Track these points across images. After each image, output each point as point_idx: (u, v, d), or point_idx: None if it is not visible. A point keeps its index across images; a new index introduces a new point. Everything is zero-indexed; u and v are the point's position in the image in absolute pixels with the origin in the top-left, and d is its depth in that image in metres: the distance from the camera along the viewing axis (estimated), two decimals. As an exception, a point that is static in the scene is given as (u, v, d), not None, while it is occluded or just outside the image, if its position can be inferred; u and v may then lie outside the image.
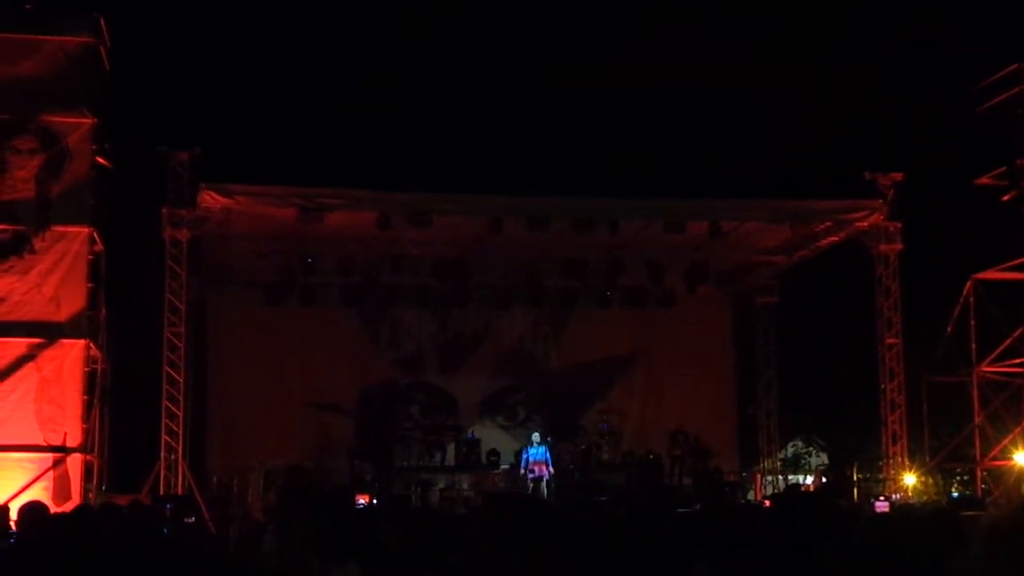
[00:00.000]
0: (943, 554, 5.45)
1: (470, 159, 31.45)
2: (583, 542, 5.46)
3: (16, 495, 20.68)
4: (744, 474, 31.86)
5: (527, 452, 27.56)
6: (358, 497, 24.46)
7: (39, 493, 21.08)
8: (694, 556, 4.65)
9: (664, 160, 33.14)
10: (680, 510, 14.51)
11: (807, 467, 37.80)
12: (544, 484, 26.93)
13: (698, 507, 19.44)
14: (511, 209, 26.25)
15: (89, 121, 23.44)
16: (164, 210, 25.55)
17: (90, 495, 22.94)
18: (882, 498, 25.18)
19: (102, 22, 23.67)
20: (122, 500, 18.29)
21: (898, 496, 25.84)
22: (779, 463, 34.39)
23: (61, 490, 22.08)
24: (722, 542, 4.98)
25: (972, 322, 27.62)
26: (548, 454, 27.50)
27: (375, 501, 24.64)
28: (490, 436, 30.65)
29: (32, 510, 8.41)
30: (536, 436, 27.82)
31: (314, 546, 6.31)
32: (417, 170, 29.88)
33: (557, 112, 34.26)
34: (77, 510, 9.54)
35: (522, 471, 27.45)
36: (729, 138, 34.15)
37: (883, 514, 12.31)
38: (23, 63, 23.23)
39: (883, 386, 27.72)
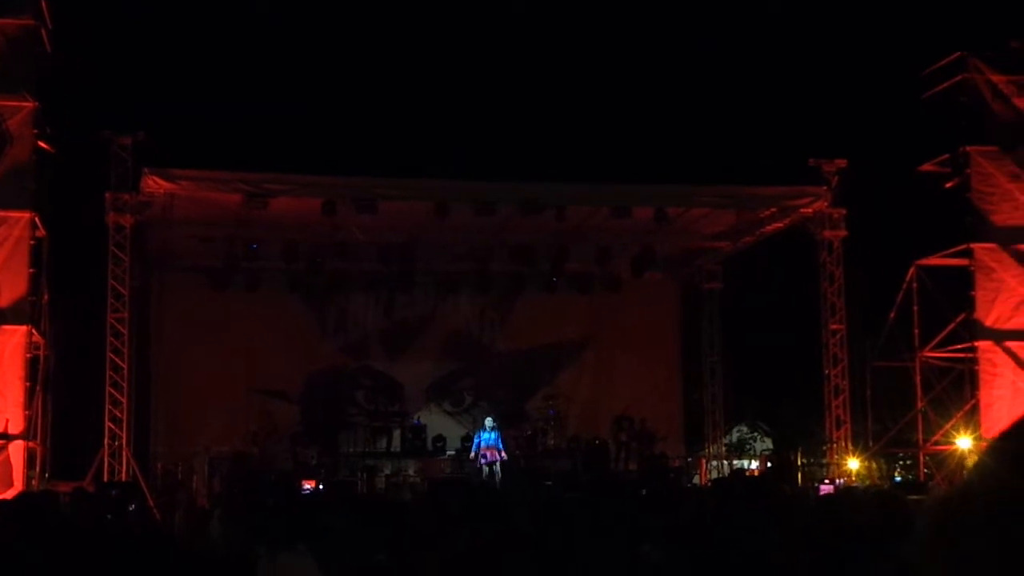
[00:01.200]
0: (887, 536, 5.48)
1: (416, 144, 31.40)
2: (528, 526, 5.46)
3: (-43, 483, 20.49)
4: (689, 459, 31.97)
5: (479, 437, 27.53)
6: (304, 483, 24.40)
7: (-20, 480, 20.90)
8: (640, 538, 4.66)
9: (610, 145, 33.20)
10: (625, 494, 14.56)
11: (752, 452, 37.98)
12: (496, 469, 26.93)
13: (643, 492, 19.50)
14: (457, 194, 26.20)
15: (30, 104, 23.21)
16: (107, 195, 25.32)
17: (33, 482, 22.77)
18: (827, 481, 25.36)
19: (43, 4, 23.43)
20: (65, 487, 18.18)
21: (842, 481, 26.01)
22: (724, 448, 34.57)
23: (3, 477, 21.93)
24: (667, 523, 4.99)
25: (915, 308, 27.82)
26: (500, 440, 27.51)
27: (321, 487, 24.58)
28: (436, 422, 30.63)
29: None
30: (489, 421, 27.79)
31: (261, 531, 6.28)
32: (362, 155, 29.78)
33: (503, 96, 34.23)
34: (18, 497, 9.44)
35: (472, 455, 27.43)
36: (675, 124, 34.23)
37: (827, 495, 12.40)
38: (-39, 45, 22.97)
39: (827, 371, 27.89)
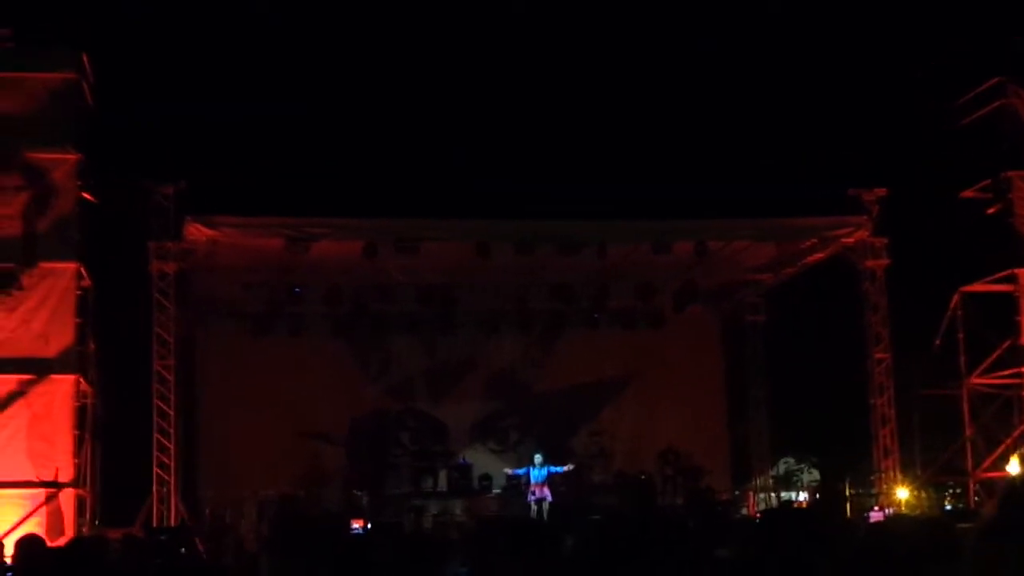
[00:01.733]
0: (936, 561, 5.47)
1: (456, 184, 31.50)
2: (577, 557, 5.49)
3: (10, 531, 20.63)
4: (737, 492, 31.88)
5: (530, 473, 27.58)
6: (353, 522, 24.46)
7: (33, 528, 20.99)
8: (691, 565, 4.69)
9: (649, 180, 33.23)
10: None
11: (799, 484, 37.84)
12: (544, 507, 26.94)
13: (691, 524, 19.42)
14: (497, 233, 26.28)
15: (73, 157, 23.45)
16: (150, 244, 25.56)
17: (83, 529, 22.91)
18: (876, 508, 25.23)
19: (84, 58, 23.70)
20: (115, 534, 18.26)
21: (891, 510, 25.85)
22: (771, 480, 34.44)
23: (54, 525, 22.03)
24: (716, 551, 5.01)
25: (960, 335, 27.68)
26: (552, 469, 27.58)
27: (369, 526, 24.62)
28: (481, 461, 30.63)
29: (28, 543, 8.40)
30: (539, 458, 27.82)
31: (310, 571, 6.32)
32: (403, 197, 29.90)
33: (541, 135, 34.34)
34: (72, 542, 9.53)
35: (519, 480, 27.52)
36: (713, 157, 34.24)
37: (876, 523, 12.34)
38: (5, 101, 23.24)
39: (873, 401, 27.76)
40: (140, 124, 29.87)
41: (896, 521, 8.87)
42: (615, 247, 26.88)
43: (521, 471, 28.12)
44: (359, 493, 28.07)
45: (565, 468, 28.18)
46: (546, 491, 27.23)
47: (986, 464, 27.26)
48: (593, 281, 29.17)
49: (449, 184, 31.61)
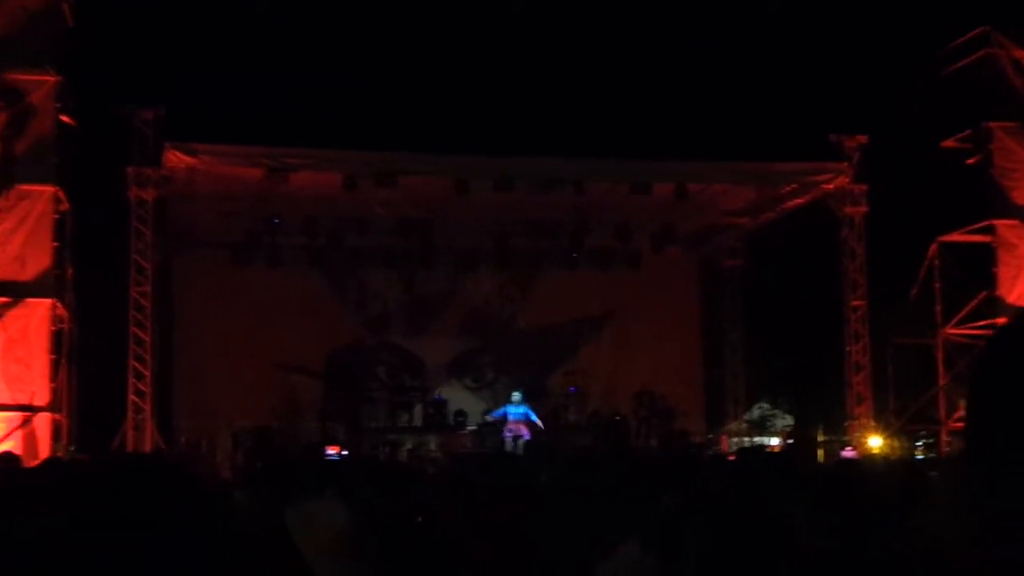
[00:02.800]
0: (906, 502, 5.51)
1: (435, 119, 31.38)
2: (550, 492, 5.52)
3: (-17, 453, 20.63)
4: (710, 436, 32.02)
5: (507, 411, 27.67)
6: (329, 448, 24.60)
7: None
8: (660, 493, 4.72)
9: (630, 121, 33.14)
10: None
11: (773, 428, 37.98)
12: (519, 444, 27.03)
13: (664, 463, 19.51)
14: (477, 170, 26.25)
15: (53, 79, 23.27)
16: (129, 170, 25.44)
17: (58, 453, 22.91)
18: (849, 448, 25.43)
19: (66, -23, 23.49)
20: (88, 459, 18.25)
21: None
22: (745, 424, 34.59)
23: (29, 448, 22.04)
24: (688, 481, 5.05)
25: (937, 285, 27.79)
26: (530, 414, 27.66)
27: (345, 453, 24.72)
28: (457, 397, 30.72)
29: (5, 459, 8.41)
30: (516, 395, 27.91)
31: (290, 486, 6.34)
32: (383, 130, 29.78)
33: (522, 72, 34.18)
34: (47, 461, 9.54)
35: (493, 419, 27.61)
36: (694, 99, 34.15)
37: (848, 459, 12.46)
38: (-16, 21, 23.05)
39: (848, 348, 27.90)
40: (121, 48, 29.61)
41: (868, 460, 8.96)
42: (594, 186, 26.85)
43: (499, 412, 28.19)
44: (334, 425, 28.13)
45: (539, 423, 28.10)
46: (523, 429, 27.31)
47: (958, 414, 27.43)
48: (571, 220, 29.14)
49: (429, 119, 31.49)
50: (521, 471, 5.62)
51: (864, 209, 27.49)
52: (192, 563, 2.32)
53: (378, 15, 34.46)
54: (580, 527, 4.32)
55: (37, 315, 23.08)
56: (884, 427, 27.95)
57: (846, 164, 27.15)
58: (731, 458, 13.72)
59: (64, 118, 23.57)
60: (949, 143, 27.68)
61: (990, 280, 27.04)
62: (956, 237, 27.66)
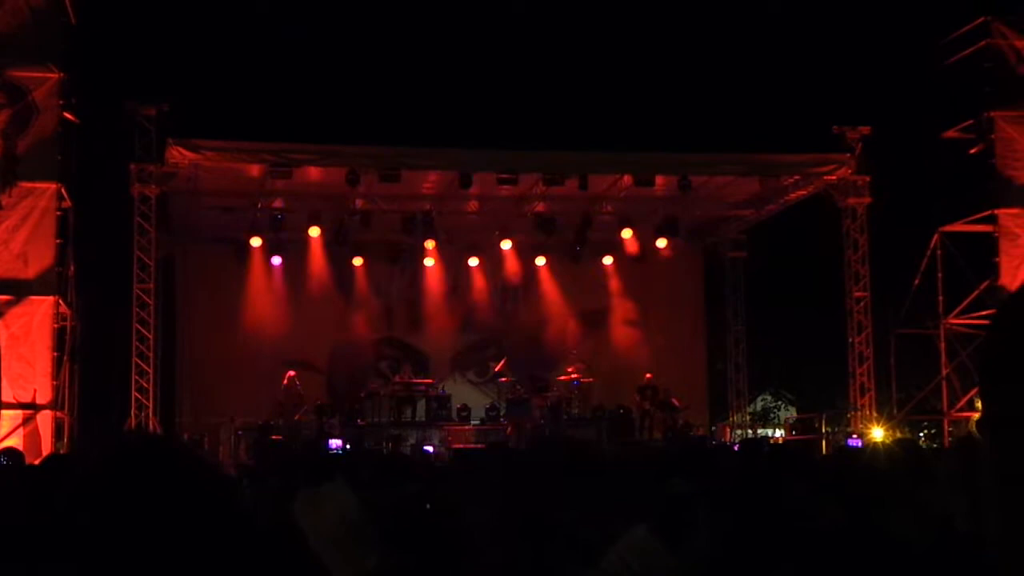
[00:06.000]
0: (912, 482, 5.52)
1: (439, 113, 31.39)
2: (558, 475, 5.52)
3: (-13, 451, 20.62)
4: (713, 428, 32.02)
5: (508, 406, 27.70)
6: (332, 442, 24.62)
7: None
8: (667, 478, 4.72)
9: (633, 114, 33.16)
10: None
11: (776, 420, 38.05)
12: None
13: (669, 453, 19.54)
14: (481, 163, 26.24)
15: (55, 75, 23.28)
16: (132, 166, 25.44)
17: (61, 452, 22.91)
18: (855, 436, 25.43)
19: (68, -26, 23.49)
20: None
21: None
22: (748, 417, 34.60)
23: (32, 447, 22.02)
24: (694, 468, 5.06)
25: (939, 275, 27.76)
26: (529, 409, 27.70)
27: (348, 446, 24.73)
28: (461, 392, 30.69)
29: (9, 454, 8.41)
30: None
31: (294, 483, 6.34)
32: (386, 124, 29.79)
33: (526, 65, 34.21)
34: (48, 458, 9.54)
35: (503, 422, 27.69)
36: (697, 92, 34.17)
37: (854, 446, 12.47)
38: (-12, 18, 23.05)
39: (851, 339, 27.89)
40: (124, 45, 29.64)
41: (871, 446, 8.98)
42: (598, 179, 26.86)
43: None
44: (338, 420, 28.10)
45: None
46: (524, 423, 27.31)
47: (961, 404, 27.42)
48: (575, 213, 29.14)
49: (433, 113, 31.50)
50: (529, 459, 5.63)
51: (867, 200, 27.47)
52: (211, 541, 2.33)
53: (381, 11, 34.48)
54: (587, 513, 4.32)
55: (40, 312, 23.09)
56: (887, 418, 27.93)
57: (849, 155, 27.14)
58: (736, 447, 13.76)
59: (67, 115, 23.57)
60: (951, 133, 27.64)
61: (992, 270, 27.01)
62: (958, 227, 27.62)
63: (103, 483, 2.38)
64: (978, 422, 1.82)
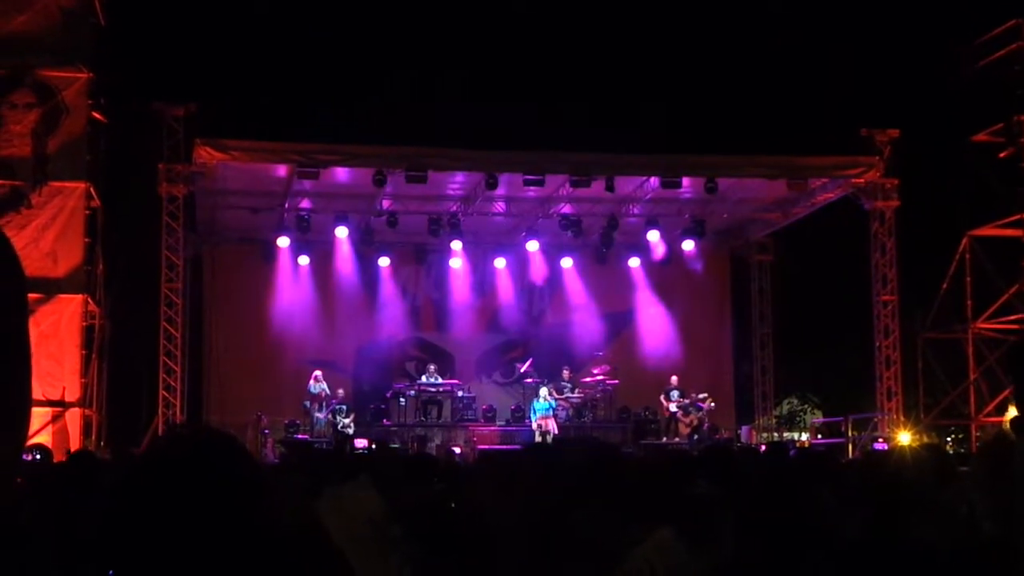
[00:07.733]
0: (937, 484, 5.51)
1: (466, 114, 31.39)
2: (584, 476, 5.51)
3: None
4: (739, 431, 31.93)
5: (533, 408, 27.65)
6: (357, 441, 24.64)
7: (38, 447, 21.13)
8: (693, 481, 4.72)
9: (660, 116, 33.13)
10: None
11: (802, 424, 37.92)
12: (549, 440, 26.93)
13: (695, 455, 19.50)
14: (507, 164, 26.25)
15: (85, 75, 23.43)
16: (160, 166, 25.52)
17: (89, 449, 23.01)
18: (881, 440, 25.35)
19: (97, -25, 23.61)
20: (120, 453, 18.31)
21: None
22: (774, 420, 34.48)
23: (60, 444, 22.13)
24: (721, 468, 5.06)
25: (967, 279, 27.66)
26: (554, 409, 27.62)
27: (373, 446, 24.74)
28: (486, 393, 30.70)
29: (39, 450, 8.45)
30: (544, 391, 27.85)
31: (320, 481, 6.37)
32: (413, 125, 29.82)
33: (553, 66, 34.21)
34: (77, 454, 9.59)
35: (531, 424, 27.59)
36: (726, 94, 34.12)
37: (880, 450, 12.44)
38: (18, 17, 23.19)
39: (878, 343, 27.77)
40: (153, 45, 29.77)
41: (898, 450, 8.95)
42: (625, 180, 26.85)
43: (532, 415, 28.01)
44: (363, 420, 28.14)
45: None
46: (551, 424, 27.28)
47: (988, 409, 27.33)
48: (602, 214, 29.12)
49: (459, 114, 31.51)
50: (555, 458, 5.62)
51: (895, 203, 27.33)
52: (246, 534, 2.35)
53: (408, 11, 34.53)
54: (612, 515, 4.33)
55: (69, 311, 23.21)
56: (914, 422, 27.82)
57: (877, 158, 27.02)
58: (761, 451, 13.73)
59: (96, 115, 23.71)
60: (981, 137, 27.56)
61: (1021, 274, 26.90)
62: (987, 231, 27.53)
63: (161, 471, 2.42)
64: (1012, 422, 1.82)
